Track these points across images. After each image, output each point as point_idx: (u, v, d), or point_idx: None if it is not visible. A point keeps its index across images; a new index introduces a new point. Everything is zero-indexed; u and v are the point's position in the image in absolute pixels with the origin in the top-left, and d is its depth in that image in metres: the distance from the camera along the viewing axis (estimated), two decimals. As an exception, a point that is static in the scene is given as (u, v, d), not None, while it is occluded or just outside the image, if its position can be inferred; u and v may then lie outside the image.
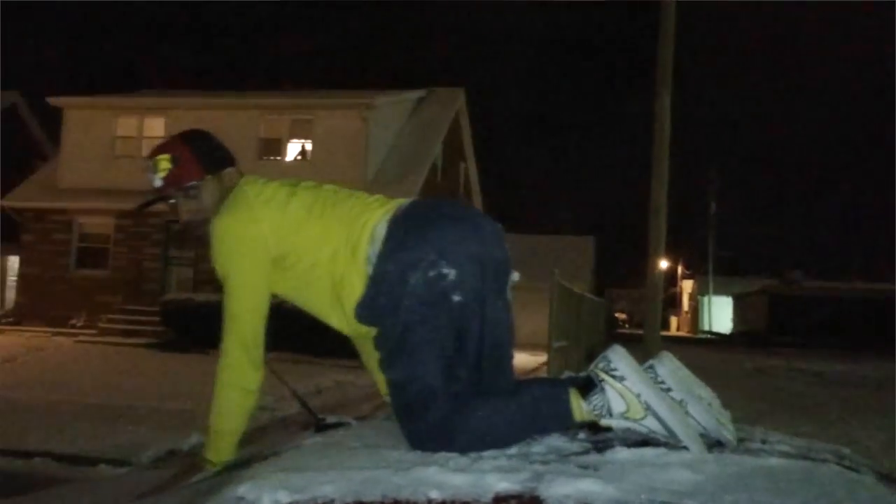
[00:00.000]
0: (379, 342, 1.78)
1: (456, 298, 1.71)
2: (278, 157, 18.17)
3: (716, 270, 47.06)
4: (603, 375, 1.70)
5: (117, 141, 18.72)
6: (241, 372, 1.92)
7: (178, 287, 17.44)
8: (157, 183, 1.99)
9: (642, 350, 10.39)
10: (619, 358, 1.72)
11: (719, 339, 39.06)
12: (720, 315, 46.46)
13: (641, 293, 10.39)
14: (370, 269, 1.77)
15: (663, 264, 10.48)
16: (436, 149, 19.12)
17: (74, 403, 9.48)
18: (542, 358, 14.24)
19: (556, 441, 1.76)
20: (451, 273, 1.69)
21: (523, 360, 18.33)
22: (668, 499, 1.35)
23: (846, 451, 1.82)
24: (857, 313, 32.92)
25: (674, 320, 57.08)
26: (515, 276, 1.89)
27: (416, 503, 1.45)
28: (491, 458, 1.64)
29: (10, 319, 18.27)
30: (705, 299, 48.64)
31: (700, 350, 24.19)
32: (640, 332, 12.20)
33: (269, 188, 1.93)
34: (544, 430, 1.69)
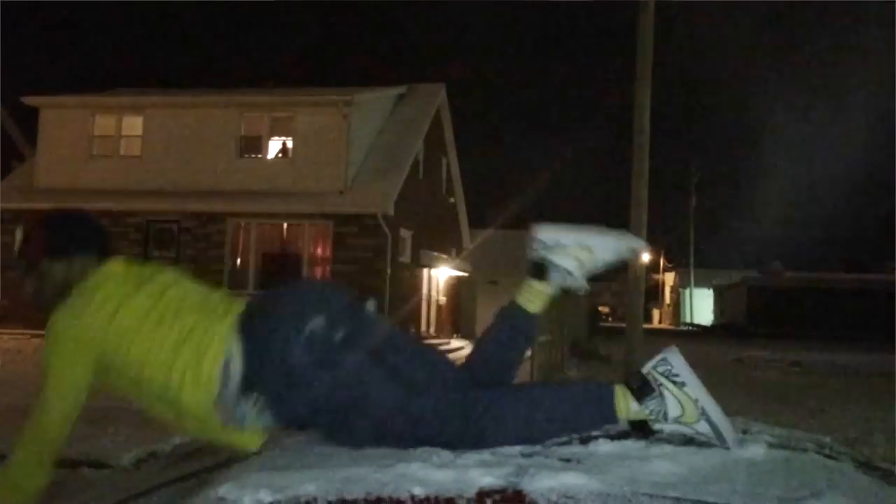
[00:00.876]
0: (321, 430, 1.75)
1: (338, 335, 1.73)
2: (258, 156, 18.07)
3: (697, 263, 47.44)
4: (662, 380, 1.69)
5: (95, 140, 18.52)
6: (26, 474, 1.74)
7: (158, 287, 17.32)
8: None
9: (625, 342, 10.45)
10: (678, 361, 1.72)
11: (700, 330, 39.44)
12: (701, 307, 46.85)
13: (623, 286, 10.44)
14: (225, 390, 1.69)
15: (645, 257, 10.54)
16: (417, 145, 19.09)
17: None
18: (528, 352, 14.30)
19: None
20: (315, 325, 1.70)
21: (507, 354, 18.25)
22: (651, 490, 1.35)
23: (826, 439, 1.84)
24: (835, 304, 33.34)
25: (656, 312, 57.49)
26: (371, 304, 2.00)
27: (399, 500, 1.45)
28: (474, 452, 1.64)
29: (-11, 322, 18.05)
30: (687, 292, 49.02)
31: (681, 341, 24.16)
32: (623, 325, 12.27)
33: (108, 288, 1.79)
34: (584, 428, 1.70)
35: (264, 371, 1.68)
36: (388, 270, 16.80)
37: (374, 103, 18.95)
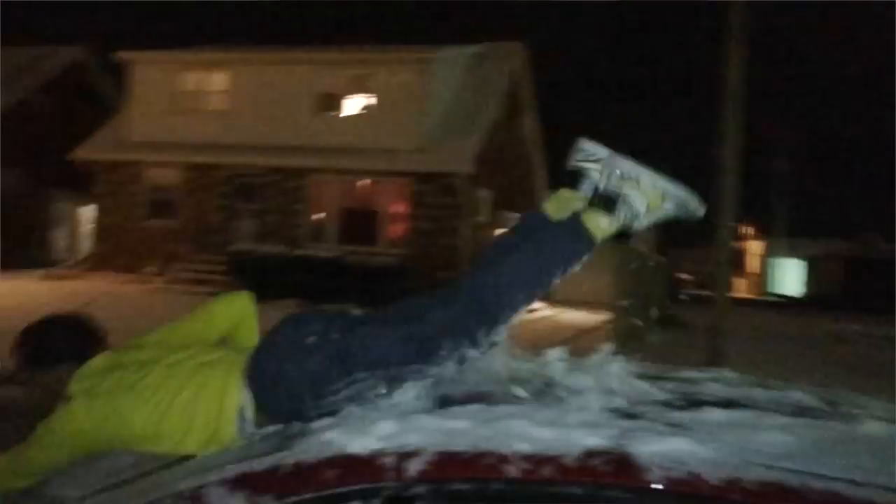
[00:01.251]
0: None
1: (333, 335, 1.84)
2: (339, 113, 18.23)
3: (784, 231, 45.73)
4: (622, 186, 1.79)
5: (183, 95, 19.04)
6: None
7: (243, 238, 17.84)
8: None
9: (708, 310, 10.20)
10: (593, 147, 1.86)
11: (789, 302, 38.03)
12: (788, 277, 45.25)
13: (707, 253, 10.15)
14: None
15: (731, 225, 10.22)
16: (496, 105, 18.89)
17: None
18: (602, 317, 14.13)
19: (640, 397, 1.74)
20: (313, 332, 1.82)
21: (582, 318, 18.19)
22: (766, 461, 1.32)
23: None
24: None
25: (739, 282, 55.86)
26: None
27: (503, 455, 1.45)
28: (576, 412, 1.63)
29: (87, 266, 19.01)
30: (772, 261, 47.41)
31: (770, 314, 23.60)
32: (706, 293, 11.97)
33: (99, 386, 1.84)
34: (574, 261, 1.80)
35: (278, 406, 1.80)
36: (465, 230, 16.82)
37: (454, 61, 18.79)
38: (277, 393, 1.77)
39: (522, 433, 1.50)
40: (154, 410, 1.77)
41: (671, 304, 19.34)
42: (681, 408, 1.64)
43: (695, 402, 1.65)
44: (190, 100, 19.00)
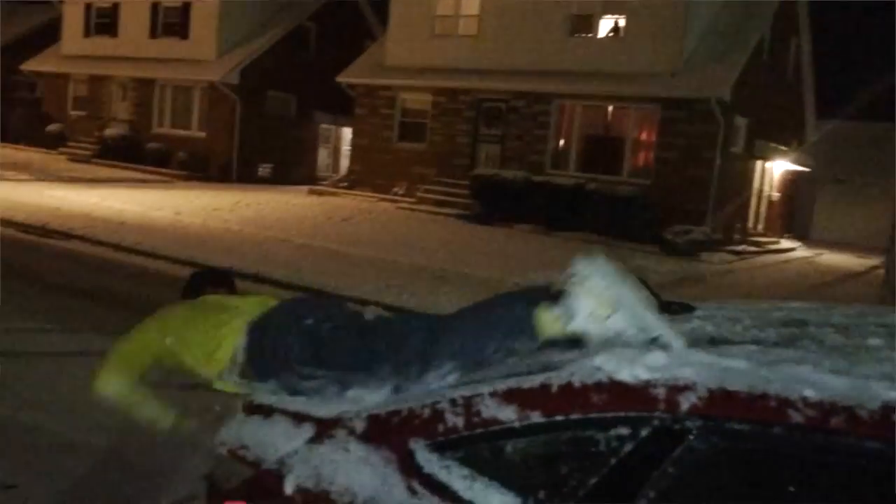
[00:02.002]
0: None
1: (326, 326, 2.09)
2: (589, 35, 17.72)
3: None
4: (571, 283, 1.73)
5: (437, 20, 19.59)
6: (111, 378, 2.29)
7: (485, 163, 18.29)
8: None
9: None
10: (586, 262, 1.76)
11: None
12: None
13: None
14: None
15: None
16: (763, 24, 17.23)
17: (398, 262, 10.57)
18: (871, 261, 12.75)
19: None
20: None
21: (847, 262, 16.61)
22: None
23: None
24: None
25: None
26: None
27: (787, 399, 1.36)
28: (873, 363, 1.48)
29: (345, 184, 20.71)
30: None
31: None
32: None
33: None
34: (511, 344, 1.78)
35: (260, 364, 2.08)
36: (717, 160, 15.81)
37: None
38: (263, 352, 2.05)
39: (809, 379, 1.40)
40: (193, 331, 2.22)
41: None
42: None
43: None
44: (443, 25, 19.50)
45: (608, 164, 16.81)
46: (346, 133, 23.99)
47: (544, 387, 1.56)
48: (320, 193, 20.00)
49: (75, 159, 22.41)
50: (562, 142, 17.89)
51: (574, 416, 1.52)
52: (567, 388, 1.53)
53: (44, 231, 10.99)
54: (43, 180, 16.93)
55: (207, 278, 2.72)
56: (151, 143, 22.49)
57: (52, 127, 24.63)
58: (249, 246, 10.76)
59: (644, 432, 1.45)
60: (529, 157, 17.59)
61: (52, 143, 24.05)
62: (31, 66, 25.69)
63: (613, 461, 1.46)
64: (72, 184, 16.76)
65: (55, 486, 3.62)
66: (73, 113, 25.07)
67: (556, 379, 1.56)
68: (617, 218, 14.91)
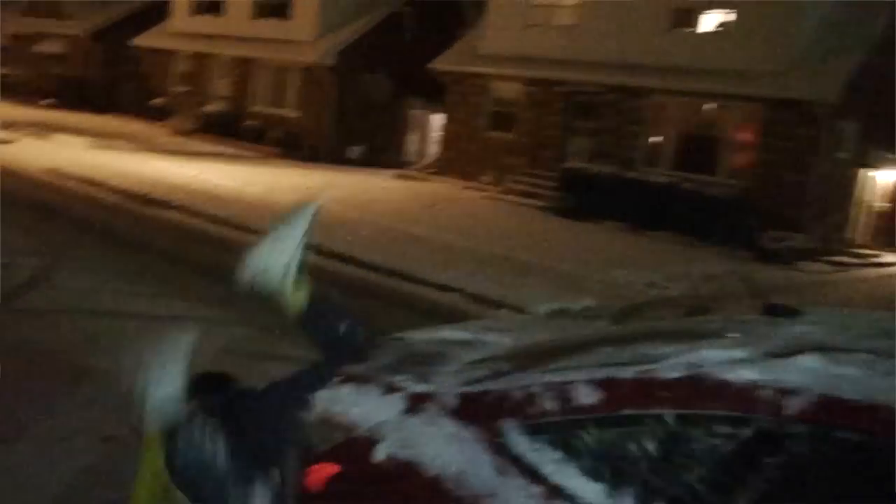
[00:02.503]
0: None
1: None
2: (688, 30, 17.19)
3: None
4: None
5: (534, 9, 19.40)
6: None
7: (576, 156, 18.04)
8: None
9: None
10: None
11: None
12: None
13: None
14: None
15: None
16: (882, 21, 16.28)
17: (482, 251, 10.58)
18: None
19: None
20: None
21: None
22: None
23: None
24: None
25: None
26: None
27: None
28: None
29: (432, 170, 20.84)
30: None
31: None
32: None
33: None
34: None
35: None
36: (821, 166, 15.11)
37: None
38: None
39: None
40: None
41: None
42: None
43: None
44: (541, 14, 19.30)
45: (703, 164, 16.30)
46: (436, 119, 24.12)
47: (642, 379, 1.53)
48: (407, 178, 20.19)
49: (177, 133, 23.35)
50: (656, 138, 17.46)
51: (672, 412, 1.49)
52: (666, 382, 1.50)
53: (145, 200, 11.50)
54: (147, 152, 17.71)
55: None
56: (248, 121, 23.19)
57: (156, 101, 25.74)
58: (336, 226, 10.98)
59: (746, 433, 1.41)
60: (621, 153, 17.25)
61: (157, 116, 25.14)
62: (139, 41, 26.86)
63: (710, 460, 1.43)
64: (172, 156, 17.47)
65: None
66: (177, 88, 26.08)
67: (654, 371, 1.53)
68: (709, 220, 14.47)
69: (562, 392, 1.59)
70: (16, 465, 3.46)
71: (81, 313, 5.66)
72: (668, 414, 1.49)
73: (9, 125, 18.41)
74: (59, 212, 9.95)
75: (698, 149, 16.65)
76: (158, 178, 13.39)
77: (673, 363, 1.55)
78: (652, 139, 17.44)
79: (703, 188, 15.16)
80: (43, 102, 26.51)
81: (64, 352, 4.85)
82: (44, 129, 18.50)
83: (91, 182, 12.33)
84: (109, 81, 27.80)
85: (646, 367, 1.56)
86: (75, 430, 3.83)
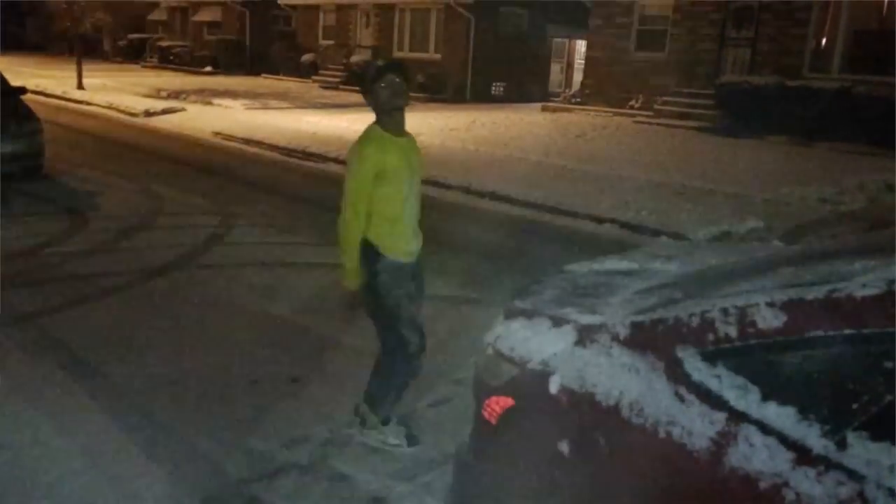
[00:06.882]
0: None
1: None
2: None
3: None
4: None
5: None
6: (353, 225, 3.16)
7: (733, 69, 16.88)
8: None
9: None
10: None
11: None
12: None
13: None
14: None
15: None
16: None
17: (636, 179, 10.24)
18: None
19: None
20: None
21: None
22: None
23: None
24: None
25: None
26: None
27: None
28: None
29: (578, 100, 20.29)
30: None
31: None
32: None
33: (379, 140, 3.19)
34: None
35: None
36: None
37: None
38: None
39: None
40: (395, 177, 3.21)
41: None
42: None
43: None
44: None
45: (882, 64, 14.74)
46: (580, 46, 23.33)
47: (832, 298, 1.43)
48: (553, 110, 19.80)
49: (326, 86, 24.13)
50: (824, 40, 15.97)
51: (864, 331, 1.39)
52: (860, 300, 1.40)
53: (304, 154, 12.04)
54: (300, 107, 18.46)
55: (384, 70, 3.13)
56: (392, 68, 23.52)
57: (305, 57, 26.66)
58: (486, 164, 10.99)
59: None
60: (783, 61, 15.94)
61: (306, 72, 26.08)
62: (286, 0, 27.82)
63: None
64: (324, 110, 18.11)
65: (328, 382, 4.06)
66: (323, 42, 26.86)
67: (845, 290, 1.43)
68: (888, 125, 13.16)
69: (742, 316, 1.53)
70: (225, 398, 3.80)
71: (255, 266, 6.09)
72: (862, 334, 1.39)
73: (179, 93, 19.86)
74: (227, 172, 10.66)
75: (876, 46, 15.06)
76: (313, 133, 13.96)
77: (866, 280, 1.43)
78: (820, 41, 15.97)
79: (884, 91, 13.73)
80: (204, 70, 28.26)
81: (249, 302, 5.26)
82: (208, 95, 19.74)
83: (252, 141, 13.06)
84: (262, 43, 29.08)
85: (835, 285, 1.46)
86: (266, 372, 4.15)
